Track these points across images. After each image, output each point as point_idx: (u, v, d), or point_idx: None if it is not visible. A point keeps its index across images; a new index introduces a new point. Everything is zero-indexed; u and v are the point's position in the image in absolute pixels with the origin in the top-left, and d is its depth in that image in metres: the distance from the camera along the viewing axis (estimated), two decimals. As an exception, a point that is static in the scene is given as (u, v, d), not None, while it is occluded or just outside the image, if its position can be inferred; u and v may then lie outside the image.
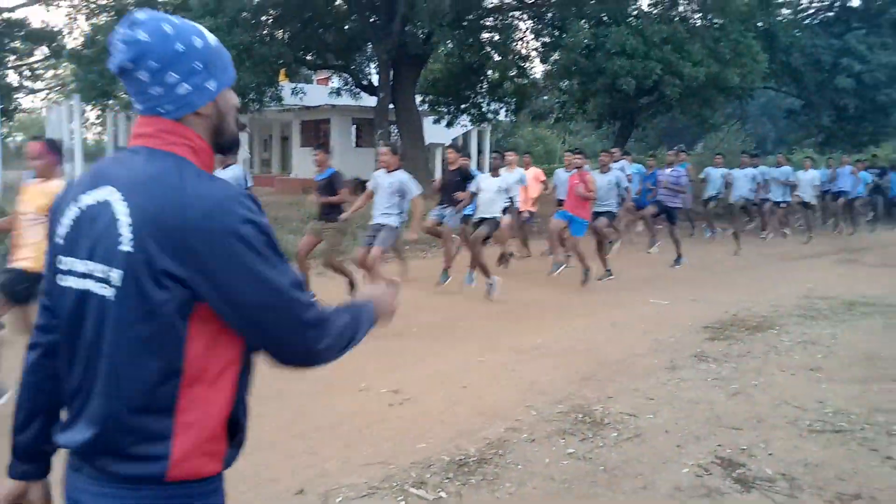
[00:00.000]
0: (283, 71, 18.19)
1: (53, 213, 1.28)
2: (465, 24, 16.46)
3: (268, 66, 15.19)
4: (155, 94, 1.20)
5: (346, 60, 19.36)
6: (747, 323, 6.53)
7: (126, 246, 1.13)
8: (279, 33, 17.46)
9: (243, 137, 26.58)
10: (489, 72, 18.93)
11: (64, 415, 1.28)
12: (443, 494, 3.16)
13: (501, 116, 21.93)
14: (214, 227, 1.12)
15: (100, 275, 1.16)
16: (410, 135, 17.52)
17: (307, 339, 1.23)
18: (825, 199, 14.43)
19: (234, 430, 1.25)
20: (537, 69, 20.01)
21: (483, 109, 20.41)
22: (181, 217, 1.12)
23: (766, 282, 8.92)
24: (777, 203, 12.99)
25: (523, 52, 18.12)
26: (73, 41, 21.23)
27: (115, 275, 1.14)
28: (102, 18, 16.36)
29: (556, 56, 15.86)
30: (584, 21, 14.42)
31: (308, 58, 18.96)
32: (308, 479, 3.32)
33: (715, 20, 15.05)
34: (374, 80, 18.98)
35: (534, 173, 10.34)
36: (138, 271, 1.12)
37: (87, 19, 17.07)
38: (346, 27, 18.22)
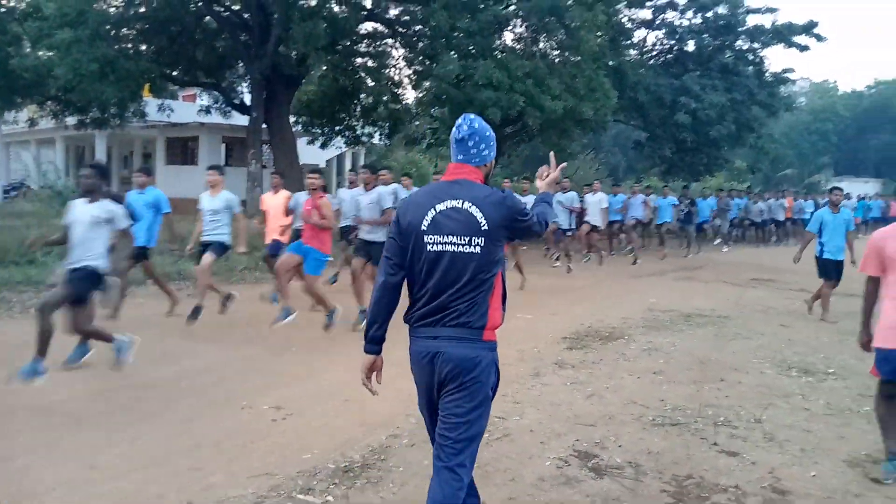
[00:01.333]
0: (146, 86, 17.39)
1: (416, 217, 2.49)
2: (339, 48, 16.57)
3: (132, 80, 14.47)
4: (474, 153, 2.57)
5: (216, 78, 18.81)
6: (600, 333, 7.20)
7: (485, 226, 2.44)
8: (144, 48, 16.70)
9: (101, 151, 25.05)
10: (363, 95, 19.11)
11: (421, 311, 2.51)
12: (329, 498, 3.34)
13: (376, 140, 22.17)
14: (509, 205, 2.51)
15: (464, 241, 2.43)
16: (285, 155, 17.30)
17: (538, 231, 2.67)
18: (614, 225, 15.04)
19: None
20: (410, 96, 20.41)
21: (357, 132, 20.54)
22: (502, 209, 2.48)
23: (616, 297, 9.79)
24: (564, 231, 12.59)
25: (396, 78, 18.49)
26: None
27: (480, 240, 2.43)
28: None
29: (427, 84, 16.31)
30: (453, 53, 14.99)
31: (175, 74, 18.25)
32: (194, 493, 3.38)
33: (571, 58, 16.06)
34: (247, 98, 18.60)
35: (283, 196, 8.28)
36: (492, 238, 2.45)
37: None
38: (217, 45, 17.75)
